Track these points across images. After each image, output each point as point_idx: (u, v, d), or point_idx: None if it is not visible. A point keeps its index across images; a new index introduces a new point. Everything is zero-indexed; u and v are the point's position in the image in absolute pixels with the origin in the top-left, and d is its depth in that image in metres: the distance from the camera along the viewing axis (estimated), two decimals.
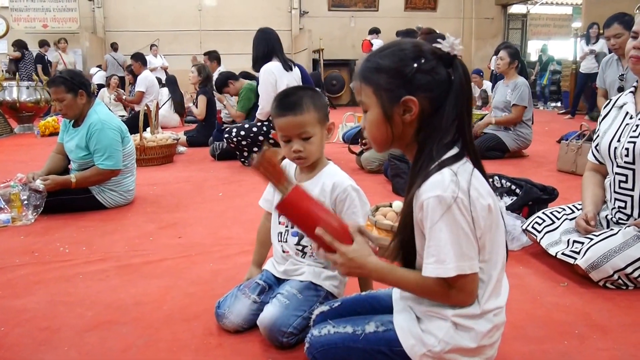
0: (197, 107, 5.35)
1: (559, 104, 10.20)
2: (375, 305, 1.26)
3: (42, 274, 1.95)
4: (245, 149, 4.08)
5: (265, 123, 4.00)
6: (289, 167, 1.56)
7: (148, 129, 4.58)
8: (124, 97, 6.82)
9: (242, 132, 4.01)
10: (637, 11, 1.92)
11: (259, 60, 3.91)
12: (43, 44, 9.86)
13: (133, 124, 5.31)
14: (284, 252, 1.53)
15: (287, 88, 1.51)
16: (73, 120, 2.85)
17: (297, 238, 1.50)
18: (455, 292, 1.02)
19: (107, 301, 1.71)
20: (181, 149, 4.90)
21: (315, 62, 11.56)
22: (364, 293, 1.36)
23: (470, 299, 1.03)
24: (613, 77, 3.70)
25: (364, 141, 4.07)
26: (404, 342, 1.09)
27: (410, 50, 1.03)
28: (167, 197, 3.18)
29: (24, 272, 1.98)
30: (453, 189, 0.97)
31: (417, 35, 3.91)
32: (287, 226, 1.52)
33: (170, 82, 7.04)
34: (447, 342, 1.05)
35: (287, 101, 1.41)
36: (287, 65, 3.93)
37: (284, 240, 1.52)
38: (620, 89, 3.59)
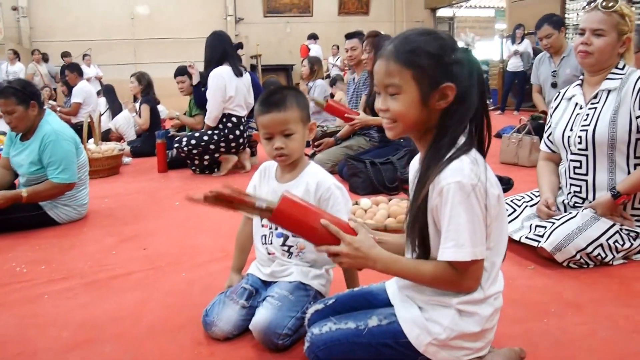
0: (140, 116, 5.14)
1: (488, 102, 10.76)
2: (371, 300, 1.27)
3: (3, 297, 1.81)
4: (197, 157, 3.98)
5: (215, 132, 3.92)
6: (270, 167, 1.55)
7: (91, 140, 4.35)
8: (58, 109, 6.44)
9: (193, 142, 3.91)
10: (583, 10, 2.06)
11: (213, 63, 3.84)
12: (65, 54, 9.34)
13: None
14: (269, 254, 1.51)
15: (272, 88, 1.50)
16: (20, 134, 2.65)
17: (282, 239, 1.48)
18: (465, 278, 1.04)
19: (81, 320, 1.60)
20: (126, 159, 4.70)
21: (253, 68, 11.52)
22: (357, 289, 1.36)
23: (476, 285, 1.07)
24: (546, 74, 3.96)
25: (316, 143, 4.09)
26: (408, 333, 1.10)
27: (448, 40, 1.06)
28: (122, 209, 3.03)
29: None
30: (472, 177, 1.00)
31: (364, 36, 3.98)
32: (270, 228, 1.50)
33: (108, 92, 6.72)
34: (453, 329, 1.07)
35: (271, 99, 1.42)
36: (238, 70, 3.89)
37: (269, 242, 1.50)
38: (554, 85, 3.86)
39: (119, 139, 5.62)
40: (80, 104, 6.16)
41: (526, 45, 8.03)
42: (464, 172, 1.00)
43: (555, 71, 3.85)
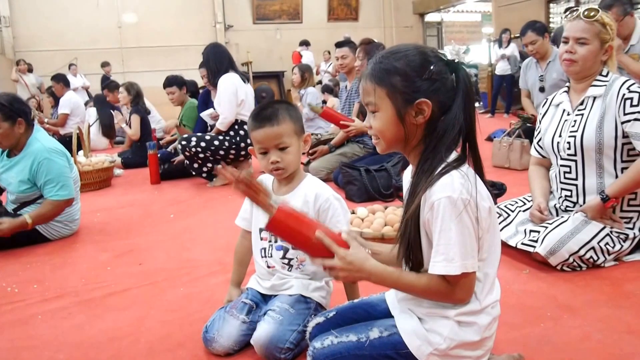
0: (130, 127, 5.12)
1: (477, 105, 10.87)
2: (370, 311, 1.27)
3: None
4: (200, 160, 3.87)
5: (227, 138, 3.87)
6: (267, 180, 1.55)
7: (80, 152, 4.32)
8: (45, 120, 6.41)
9: (203, 144, 3.80)
10: (565, 18, 2.11)
11: (220, 73, 3.86)
12: (105, 64, 9.47)
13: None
14: (269, 267, 1.51)
15: (263, 102, 1.52)
16: (7, 150, 2.61)
17: (282, 252, 1.49)
18: (457, 290, 1.06)
19: (77, 340, 1.58)
20: (118, 171, 4.68)
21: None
22: (357, 300, 1.36)
23: (468, 297, 1.08)
24: (534, 79, 4.05)
25: (310, 151, 4.09)
26: (409, 344, 1.11)
27: (423, 56, 1.07)
28: (115, 223, 3.01)
29: None
30: (462, 191, 1.01)
31: (354, 44, 4.01)
32: (270, 241, 1.51)
33: (99, 102, 6.67)
34: (453, 339, 1.08)
35: (263, 114, 1.44)
36: (244, 78, 3.95)
37: (269, 255, 1.51)
38: (542, 89, 3.92)
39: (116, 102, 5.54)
40: (68, 114, 6.13)
41: (513, 49, 8.15)
42: (454, 187, 1.02)
43: (542, 76, 3.93)
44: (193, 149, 3.81)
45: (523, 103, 4.32)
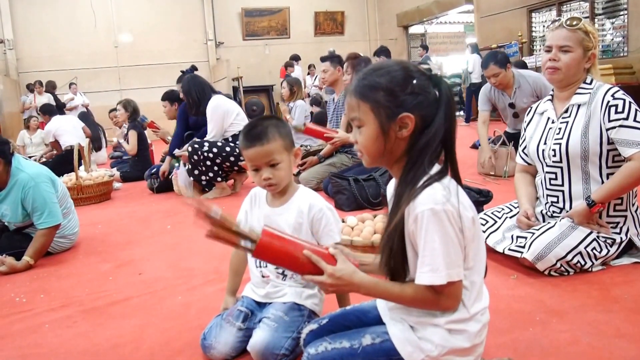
0: (128, 142, 5.21)
1: (459, 113, 11.07)
2: (362, 318, 1.30)
3: (5, 328, 1.82)
4: (203, 168, 3.87)
5: (237, 145, 3.86)
6: (260, 193, 1.59)
7: (81, 168, 4.39)
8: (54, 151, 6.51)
9: (215, 150, 3.81)
10: (547, 29, 2.17)
11: (205, 101, 3.92)
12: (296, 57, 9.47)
13: (60, 162, 5.06)
14: (263, 276, 1.55)
15: (252, 120, 1.54)
16: None
17: None
18: (444, 298, 1.08)
19: (82, 348, 1.63)
20: (117, 185, 4.77)
21: (235, 90, 11.68)
22: (349, 307, 1.38)
23: (456, 304, 1.11)
24: (503, 105, 4.02)
25: (300, 162, 4.16)
26: (401, 350, 1.13)
27: (405, 71, 1.09)
28: (115, 235, 3.07)
29: None
30: (444, 202, 1.04)
31: (337, 58, 4.11)
32: None
33: (83, 118, 6.74)
34: (444, 346, 1.11)
35: (253, 132, 1.46)
36: (228, 96, 4.04)
37: (264, 265, 1.55)
38: (515, 115, 3.96)
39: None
40: (57, 140, 6.07)
41: (474, 60, 8.40)
42: (436, 198, 1.04)
43: (512, 103, 3.92)
44: (205, 154, 3.80)
45: (478, 129, 4.11)
